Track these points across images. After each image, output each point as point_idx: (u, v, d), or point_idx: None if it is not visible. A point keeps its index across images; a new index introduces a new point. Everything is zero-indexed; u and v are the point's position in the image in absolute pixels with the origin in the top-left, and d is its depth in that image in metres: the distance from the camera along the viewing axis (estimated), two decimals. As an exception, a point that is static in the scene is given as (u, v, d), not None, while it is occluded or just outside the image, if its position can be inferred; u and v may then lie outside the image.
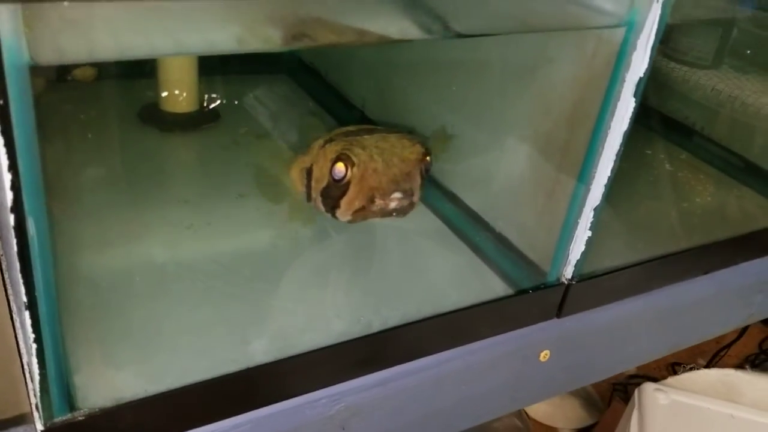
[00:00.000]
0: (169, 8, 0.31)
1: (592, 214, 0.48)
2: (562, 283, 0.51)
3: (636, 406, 1.03)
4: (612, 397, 1.29)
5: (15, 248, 0.30)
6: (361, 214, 0.47)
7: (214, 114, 0.72)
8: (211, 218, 0.55)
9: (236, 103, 0.76)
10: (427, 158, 0.48)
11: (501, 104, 0.55)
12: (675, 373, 1.27)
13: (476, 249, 0.56)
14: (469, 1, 0.40)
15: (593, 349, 0.58)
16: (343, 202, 0.47)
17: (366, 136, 0.49)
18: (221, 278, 0.49)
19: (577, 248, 0.50)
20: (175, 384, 0.38)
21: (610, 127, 0.45)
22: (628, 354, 0.62)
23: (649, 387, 1.04)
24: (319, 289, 0.51)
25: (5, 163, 0.28)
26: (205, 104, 0.73)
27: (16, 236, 0.30)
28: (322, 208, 0.50)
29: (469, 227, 0.57)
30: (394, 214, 0.47)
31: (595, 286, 0.53)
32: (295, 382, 0.43)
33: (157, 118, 0.70)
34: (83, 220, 0.51)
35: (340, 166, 0.47)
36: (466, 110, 0.58)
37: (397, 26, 0.39)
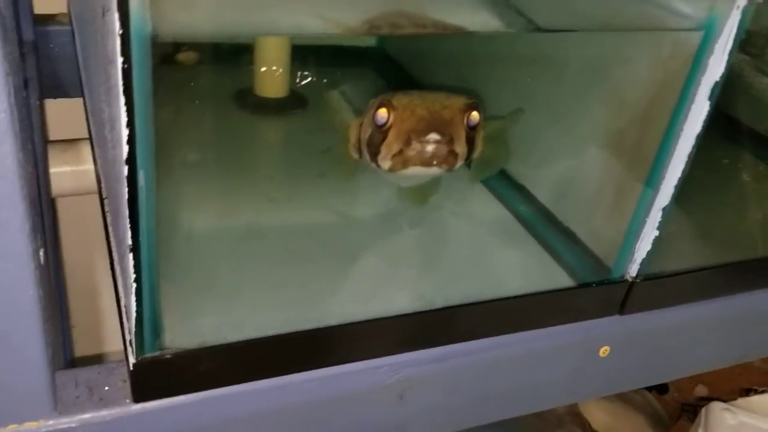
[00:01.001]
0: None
1: (660, 214, 0.49)
2: (626, 281, 0.52)
3: (702, 425, 1.01)
4: (680, 417, 1.27)
5: (126, 196, 0.34)
6: (400, 158, 0.47)
7: (302, 101, 0.77)
8: (292, 194, 0.60)
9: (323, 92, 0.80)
10: (474, 112, 0.48)
11: (576, 101, 0.56)
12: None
13: (542, 241, 0.58)
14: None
15: (654, 350, 0.58)
16: (383, 146, 0.48)
17: (416, 91, 0.49)
18: (298, 246, 0.53)
19: (643, 247, 0.51)
20: (252, 335, 0.42)
21: (682, 129, 0.46)
22: (690, 359, 0.62)
23: (717, 406, 1.03)
24: (388, 263, 0.54)
25: (124, 119, 0.32)
26: (294, 91, 0.77)
27: (128, 185, 0.34)
28: (368, 159, 0.51)
29: (537, 219, 0.59)
30: (435, 162, 0.47)
31: (660, 286, 0.53)
32: (359, 346, 0.46)
33: (250, 102, 0.75)
34: (180, 186, 0.56)
35: (381, 112, 0.47)
36: (541, 105, 0.60)
37: (480, 18, 0.41)
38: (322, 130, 0.72)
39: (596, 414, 1.27)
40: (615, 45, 0.51)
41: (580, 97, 0.55)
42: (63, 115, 0.87)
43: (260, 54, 0.74)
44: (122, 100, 0.31)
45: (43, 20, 0.82)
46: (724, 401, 1.07)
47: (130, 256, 0.36)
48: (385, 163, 0.48)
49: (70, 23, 0.80)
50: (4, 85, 0.29)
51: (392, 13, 0.38)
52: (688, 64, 0.44)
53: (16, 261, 0.33)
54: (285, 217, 0.56)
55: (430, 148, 0.46)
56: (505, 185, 0.63)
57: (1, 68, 0.29)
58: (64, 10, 0.85)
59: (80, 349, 1.10)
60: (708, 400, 1.24)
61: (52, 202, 0.99)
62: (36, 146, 0.65)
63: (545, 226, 0.58)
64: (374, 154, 0.49)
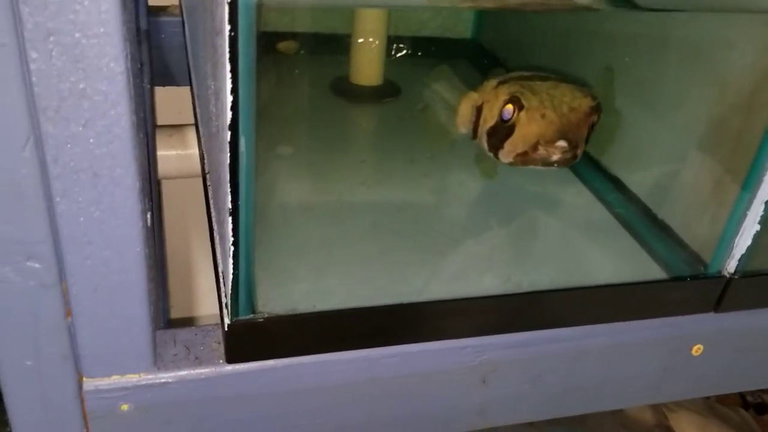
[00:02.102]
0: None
1: (762, 207, 0.47)
2: (723, 276, 0.50)
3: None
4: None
5: (228, 161, 0.36)
6: (523, 158, 0.48)
7: (396, 89, 0.78)
8: (382, 177, 0.61)
9: (418, 82, 0.81)
10: (597, 113, 0.48)
11: (673, 85, 0.54)
12: None
13: (634, 233, 0.56)
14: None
15: (753, 352, 0.56)
16: (508, 143, 0.48)
17: (539, 82, 0.49)
18: (387, 224, 0.54)
19: (743, 242, 0.49)
20: (339, 305, 0.43)
21: (789, 118, 0.44)
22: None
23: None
24: (476, 243, 0.54)
25: (229, 86, 0.34)
26: (388, 80, 0.78)
27: (230, 150, 0.36)
28: (485, 147, 0.51)
29: (630, 211, 0.58)
30: (557, 164, 0.47)
31: (761, 284, 0.51)
32: (443, 325, 0.46)
33: (346, 90, 0.77)
34: (279, 162, 0.59)
35: (510, 108, 0.48)
36: (638, 91, 0.58)
37: None
38: (415, 118, 0.73)
39: (687, 428, 1.23)
40: (719, 27, 0.49)
41: (680, 81, 0.54)
42: (171, 102, 0.92)
43: (355, 50, 0.76)
44: (228, 67, 0.33)
45: (156, 11, 0.87)
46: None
47: (230, 219, 0.38)
48: (506, 159, 0.49)
49: (181, 14, 0.84)
50: (122, 49, 0.31)
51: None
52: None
53: (127, 219, 0.36)
54: (375, 197, 0.58)
55: (556, 154, 0.46)
56: (598, 176, 0.61)
57: (119, 34, 0.31)
58: (175, 2, 0.90)
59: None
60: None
61: (157, 184, 1.04)
62: (148, 124, 0.69)
63: (638, 218, 0.57)
64: (495, 147, 0.49)
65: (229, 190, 0.37)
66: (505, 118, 0.48)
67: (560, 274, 0.50)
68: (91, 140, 0.33)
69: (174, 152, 0.89)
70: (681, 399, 1.14)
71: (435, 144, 0.59)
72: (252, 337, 0.42)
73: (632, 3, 0.44)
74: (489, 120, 0.50)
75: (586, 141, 0.49)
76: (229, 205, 0.37)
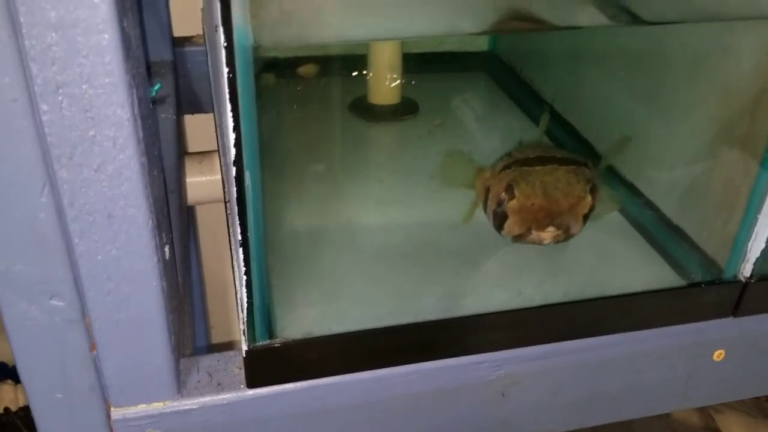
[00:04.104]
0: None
1: (774, 210, 0.47)
2: (739, 281, 0.50)
3: None
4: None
5: (235, 195, 0.38)
6: (519, 239, 0.52)
7: (414, 107, 0.79)
8: (398, 196, 0.62)
9: (435, 98, 0.82)
10: (589, 198, 0.51)
11: (681, 92, 0.55)
12: None
13: (650, 238, 0.56)
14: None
15: (776, 354, 0.55)
16: (506, 225, 0.52)
17: (538, 168, 0.53)
18: (401, 244, 0.55)
19: (757, 245, 0.49)
20: (355, 327, 0.44)
21: (795, 120, 0.44)
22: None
23: None
24: (487, 259, 0.55)
25: (231, 124, 0.35)
26: (405, 98, 0.80)
27: (236, 185, 0.37)
28: (491, 221, 0.55)
29: (645, 216, 0.58)
30: (552, 243, 0.51)
31: (778, 287, 0.51)
32: (460, 342, 0.47)
33: (364, 110, 0.78)
34: (296, 186, 0.60)
35: (504, 196, 0.52)
36: (647, 99, 0.59)
37: (586, 13, 0.41)
38: (432, 135, 0.74)
39: (736, 429, 1.20)
40: (721, 34, 0.49)
41: (687, 88, 0.54)
42: (203, 129, 0.95)
43: (373, 61, 0.77)
44: (229, 106, 0.35)
45: (181, 42, 0.90)
46: None
47: (240, 250, 0.39)
48: (507, 237, 0.53)
49: (205, 43, 0.87)
50: (128, 96, 0.33)
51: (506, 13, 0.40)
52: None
53: (142, 255, 0.38)
54: (390, 218, 0.59)
55: (548, 238, 0.50)
56: (612, 182, 0.62)
57: (124, 82, 0.33)
58: (200, 32, 0.92)
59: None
60: None
61: (190, 210, 1.07)
62: (170, 156, 0.71)
63: (653, 223, 0.57)
64: (498, 227, 0.53)
65: (238, 222, 0.38)
66: (500, 205, 0.52)
67: (576, 285, 0.51)
68: (104, 183, 0.35)
69: (204, 178, 0.91)
70: (709, 403, 1.12)
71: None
72: (270, 362, 0.43)
73: (636, 17, 0.44)
74: (494, 201, 0.54)
75: (587, 217, 0.52)
76: (239, 237, 0.39)
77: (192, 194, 0.91)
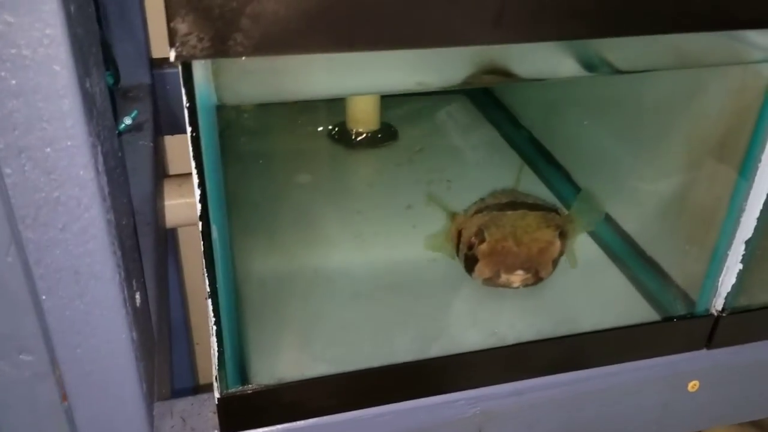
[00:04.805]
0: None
1: (743, 247, 0.47)
2: (711, 315, 0.51)
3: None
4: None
5: (202, 249, 0.38)
6: (489, 282, 0.53)
7: (393, 133, 0.79)
8: (378, 229, 0.62)
9: (415, 122, 0.82)
10: (558, 243, 0.52)
11: (653, 132, 0.55)
12: None
13: (626, 270, 0.57)
14: (630, 40, 0.42)
15: (747, 384, 0.55)
16: (477, 268, 0.53)
17: (509, 212, 0.55)
18: (378, 284, 0.55)
19: (727, 280, 0.49)
20: (329, 371, 0.44)
21: (760, 160, 0.44)
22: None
23: None
24: (462, 300, 0.55)
25: (196, 181, 0.35)
26: (385, 123, 0.80)
27: (203, 239, 0.37)
28: (463, 265, 0.56)
29: (621, 248, 0.58)
30: (521, 286, 0.52)
31: (749, 320, 0.51)
32: (435, 381, 0.47)
33: (344, 136, 0.78)
34: (271, 225, 0.60)
35: (474, 240, 0.53)
36: (621, 137, 0.59)
37: (565, 65, 0.42)
38: (412, 162, 0.74)
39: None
40: (688, 78, 0.50)
41: (657, 128, 0.55)
42: (184, 149, 0.94)
43: (351, 98, 0.77)
44: (193, 164, 0.35)
45: (160, 63, 0.89)
46: None
47: (209, 301, 0.39)
48: (477, 280, 0.54)
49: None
50: (91, 157, 0.33)
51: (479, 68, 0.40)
52: (762, 94, 0.43)
53: (110, 308, 0.38)
54: (367, 254, 0.59)
55: (517, 281, 0.51)
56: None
57: (87, 144, 0.33)
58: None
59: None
60: None
61: (172, 231, 1.06)
62: (147, 183, 0.71)
63: (629, 255, 0.57)
64: (469, 269, 0.54)
65: (206, 275, 0.38)
66: (470, 248, 0.53)
67: (550, 322, 0.51)
68: (70, 242, 0.35)
69: (184, 200, 0.90)
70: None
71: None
72: (244, 408, 0.43)
73: (613, 67, 0.44)
74: (464, 246, 0.55)
75: (557, 261, 0.53)
76: (208, 289, 0.39)
77: (171, 217, 0.91)
